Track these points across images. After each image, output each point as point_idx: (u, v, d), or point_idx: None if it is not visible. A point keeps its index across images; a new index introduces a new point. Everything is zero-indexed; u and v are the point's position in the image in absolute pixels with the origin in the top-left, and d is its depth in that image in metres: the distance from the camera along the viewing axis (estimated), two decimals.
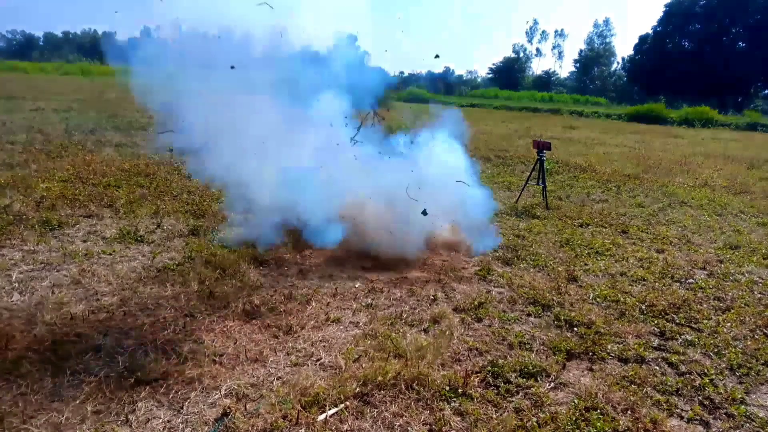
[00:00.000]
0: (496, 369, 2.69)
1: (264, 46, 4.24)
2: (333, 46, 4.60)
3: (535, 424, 2.30)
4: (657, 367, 2.86)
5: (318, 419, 2.23)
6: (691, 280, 4.21)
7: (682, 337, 3.21)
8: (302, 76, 4.30)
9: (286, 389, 2.42)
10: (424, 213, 3.98)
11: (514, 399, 2.48)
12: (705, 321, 3.45)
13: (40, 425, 2.11)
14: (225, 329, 2.99)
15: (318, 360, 2.73)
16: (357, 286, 3.76)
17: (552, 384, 2.63)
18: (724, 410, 2.51)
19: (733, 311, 3.62)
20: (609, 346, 3.03)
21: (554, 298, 3.66)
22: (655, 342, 3.15)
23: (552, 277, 4.11)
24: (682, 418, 2.45)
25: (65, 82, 26.47)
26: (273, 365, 2.67)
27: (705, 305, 3.72)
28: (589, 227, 5.69)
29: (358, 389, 2.44)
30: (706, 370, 2.83)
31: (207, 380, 2.48)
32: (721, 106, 39.13)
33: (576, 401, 2.48)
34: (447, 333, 3.06)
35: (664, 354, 3.01)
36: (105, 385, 2.38)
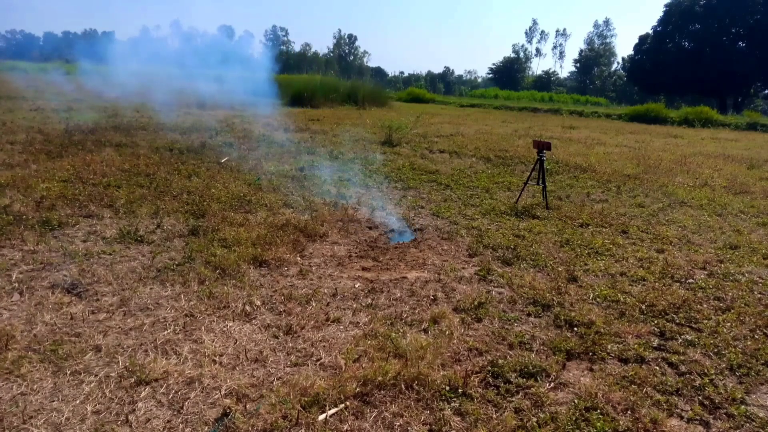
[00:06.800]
0: (496, 369, 2.69)
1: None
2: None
3: (535, 424, 2.30)
4: (657, 367, 2.86)
5: (318, 419, 2.23)
6: (691, 280, 4.21)
7: (682, 337, 3.21)
8: None
9: (286, 389, 2.42)
10: None
11: (514, 399, 2.48)
12: (705, 321, 3.45)
13: (40, 425, 2.11)
14: (225, 329, 2.99)
15: (318, 360, 2.73)
16: (357, 286, 3.76)
17: (552, 384, 2.63)
18: (724, 410, 2.51)
19: (733, 311, 3.62)
20: (609, 346, 3.03)
21: (554, 298, 3.66)
22: (655, 342, 3.14)
23: (552, 277, 4.11)
24: (682, 418, 2.45)
25: None
26: (273, 365, 2.67)
27: (705, 305, 3.72)
28: (589, 227, 5.69)
29: (358, 389, 2.44)
30: (706, 370, 2.83)
31: (207, 380, 2.48)
32: (720, 106, 39.18)
33: (576, 401, 2.48)
34: (447, 333, 3.06)
35: (664, 354, 3.01)
36: (105, 385, 2.38)
